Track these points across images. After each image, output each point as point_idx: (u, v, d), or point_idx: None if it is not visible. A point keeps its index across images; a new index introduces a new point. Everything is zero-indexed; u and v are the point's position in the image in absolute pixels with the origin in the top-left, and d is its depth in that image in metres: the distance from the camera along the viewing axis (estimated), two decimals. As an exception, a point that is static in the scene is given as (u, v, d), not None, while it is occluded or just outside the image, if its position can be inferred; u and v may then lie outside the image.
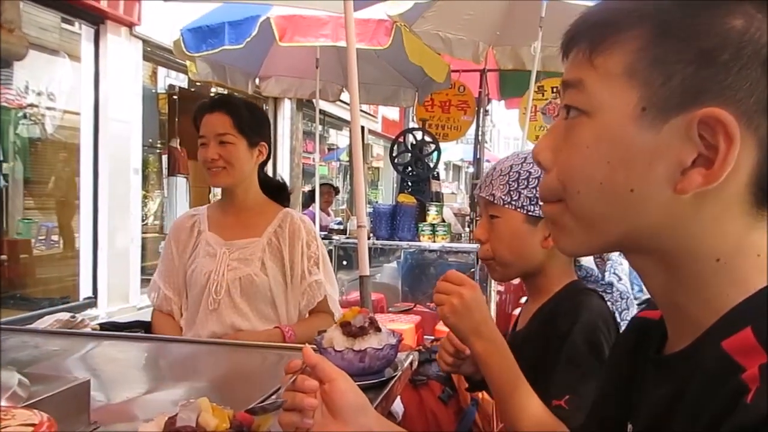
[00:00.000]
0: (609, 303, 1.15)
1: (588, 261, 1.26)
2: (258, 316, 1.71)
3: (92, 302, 5.37)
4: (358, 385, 0.81)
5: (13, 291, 5.14)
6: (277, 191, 1.89)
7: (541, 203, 0.61)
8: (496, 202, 1.12)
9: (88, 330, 1.70)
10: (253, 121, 1.77)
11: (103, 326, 1.85)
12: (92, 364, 1.40)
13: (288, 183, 2.04)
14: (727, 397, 0.45)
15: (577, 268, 1.20)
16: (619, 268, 1.35)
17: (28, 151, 5.30)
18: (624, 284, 1.27)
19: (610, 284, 1.25)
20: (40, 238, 5.63)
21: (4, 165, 4.88)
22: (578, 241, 0.58)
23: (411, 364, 1.32)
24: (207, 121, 1.75)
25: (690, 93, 0.49)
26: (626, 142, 0.52)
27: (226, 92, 7.29)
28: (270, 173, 1.98)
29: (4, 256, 5.15)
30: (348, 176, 12.28)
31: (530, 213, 1.10)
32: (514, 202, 1.11)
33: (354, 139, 2.14)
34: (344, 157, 12.16)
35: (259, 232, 1.77)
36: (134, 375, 1.36)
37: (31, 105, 5.14)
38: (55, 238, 5.74)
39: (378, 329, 1.16)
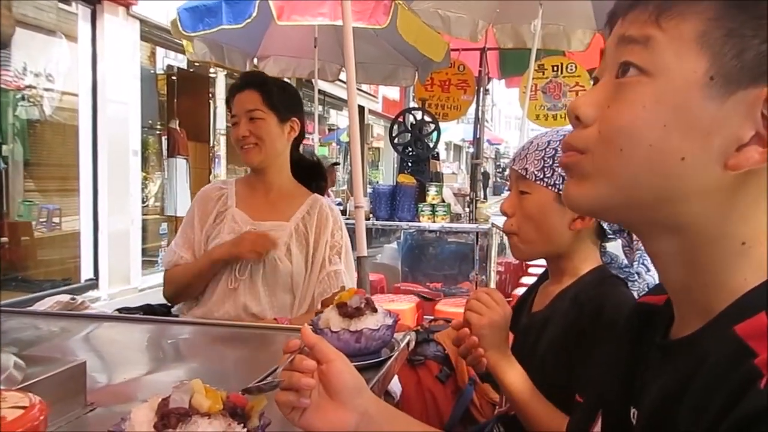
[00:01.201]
0: (634, 292, 1.13)
1: (614, 247, 1.25)
2: (272, 301, 1.70)
3: (94, 284, 5.39)
4: (354, 365, 0.82)
5: (15, 273, 5.15)
6: (310, 171, 1.88)
7: (564, 151, 0.59)
8: (528, 177, 1.10)
9: (88, 312, 1.70)
10: (282, 96, 1.77)
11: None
12: (91, 346, 1.41)
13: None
14: (738, 382, 0.45)
15: (602, 253, 1.18)
16: (648, 258, 1.34)
17: (27, 133, 5.28)
18: (652, 275, 1.25)
19: (638, 273, 1.23)
20: (41, 220, 5.63)
21: (4, 147, 4.87)
22: (593, 193, 0.56)
23: (408, 344, 1.32)
24: (237, 100, 1.75)
25: (760, 70, 0.49)
26: (689, 108, 0.51)
27: (225, 73, 7.24)
28: None
29: (4, 239, 5.16)
30: (348, 157, 12.25)
31: (562, 192, 1.08)
32: (546, 179, 1.09)
33: (352, 118, 2.13)
34: (344, 137, 12.11)
35: (287, 216, 1.76)
36: (132, 356, 1.37)
37: (29, 86, 5.11)
38: (56, 220, 5.74)
39: (374, 310, 1.16)
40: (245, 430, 0.68)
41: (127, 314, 1.67)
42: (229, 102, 1.80)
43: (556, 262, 1.14)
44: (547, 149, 1.10)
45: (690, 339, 0.54)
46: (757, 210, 0.52)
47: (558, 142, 1.10)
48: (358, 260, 1.95)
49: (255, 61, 4.73)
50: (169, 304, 1.82)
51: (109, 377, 1.16)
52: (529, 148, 1.13)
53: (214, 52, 4.18)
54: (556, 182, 1.08)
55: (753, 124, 0.49)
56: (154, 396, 0.70)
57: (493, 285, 3.82)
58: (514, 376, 1.04)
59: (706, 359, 0.50)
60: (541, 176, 1.09)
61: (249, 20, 3.57)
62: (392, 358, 1.19)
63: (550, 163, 1.09)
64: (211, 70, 7.24)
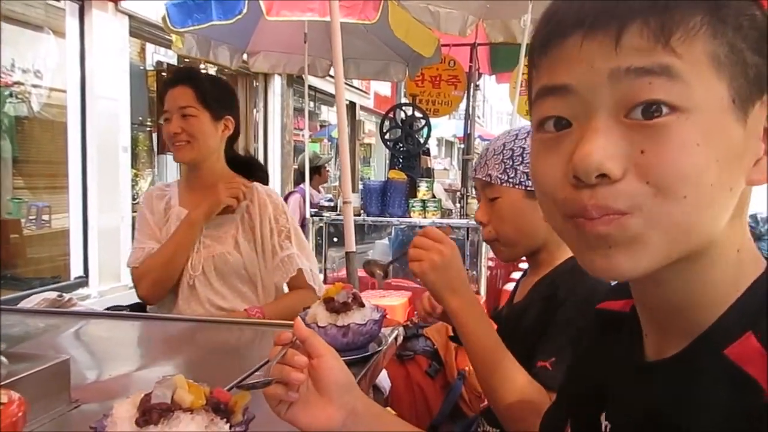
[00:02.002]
0: None
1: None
2: (234, 294, 1.69)
3: (84, 281, 5.36)
4: (343, 359, 0.82)
5: (4, 271, 5.12)
6: (244, 167, 1.84)
7: (594, 217, 0.49)
8: (493, 182, 1.12)
9: (75, 309, 1.69)
10: (216, 93, 1.73)
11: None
12: (77, 343, 1.40)
13: (281, 160, 2.01)
14: (752, 425, 0.44)
15: None
16: None
17: (15, 130, 5.24)
18: None
19: None
20: (31, 217, 5.60)
21: (-7, 144, 4.84)
22: (649, 257, 0.49)
23: (396, 338, 1.32)
24: (170, 96, 1.72)
25: (760, 82, 0.48)
26: (728, 137, 0.47)
27: (216, 69, 7.21)
28: (261, 150, 1.95)
29: (-7, 237, 5.14)
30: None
31: (529, 188, 1.09)
32: (512, 180, 1.11)
33: (339, 113, 2.13)
34: (336, 133, 12.09)
35: (231, 208, 1.73)
36: (119, 353, 1.36)
37: (18, 83, 5.07)
38: (45, 217, 5.71)
39: (361, 305, 1.16)
40: (228, 425, 0.68)
41: (113, 311, 1.66)
42: (161, 96, 1.76)
43: (534, 256, 1.16)
44: (504, 151, 1.13)
45: (677, 358, 0.52)
46: (744, 213, 0.51)
47: (512, 142, 1.12)
48: (347, 255, 1.95)
49: (245, 56, 4.71)
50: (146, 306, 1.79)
51: (94, 374, 1.15)
52: (486, 155, 1.15)
53: (202, 47, 4.15)
54: (521, 180, 1.10)
55: (763, 135, 0.49)
56: (137, 392, 0.69)
57: (483, 281, 3.83)
58: (475, 321, 1.02)
59: (699, 382, 0.49)
60: (506, 178, 1.11)
61: (239, 16, 3.55)
62: (380, 353, 1.19)
63: (511, 164, 1.12)
64: (201, 66, 7.21)
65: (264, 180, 1.86)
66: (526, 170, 1.10)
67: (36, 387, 0.87)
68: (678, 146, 0.46)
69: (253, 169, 1.87)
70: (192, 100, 1.69)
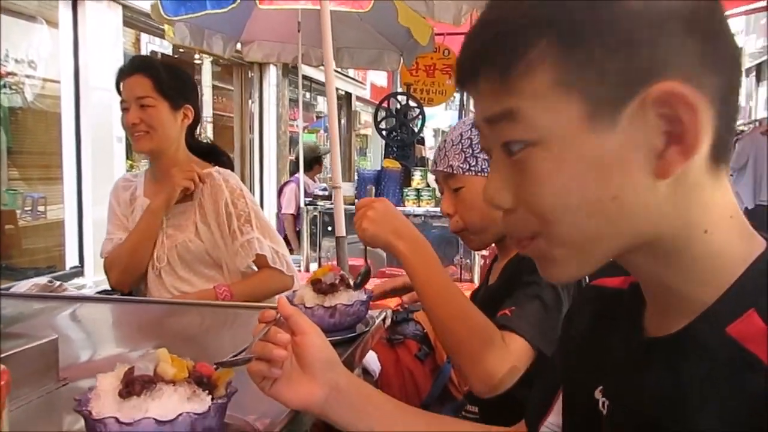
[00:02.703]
0: None
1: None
2: (201, 279, 1.71)
3: (79, 271, 5.37)
4: (329, 340, 0.83)
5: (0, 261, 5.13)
6: (206, 155, 1.84)
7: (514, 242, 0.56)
8: (455, 172, 1.15)
9: (65, 293, 1.70)
10: (175, 82, 1.72)
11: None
12: (66, 325, 1.41)
13: (277, 151, 2.01)
14: (754, 402, 0.45)
15: None
16: None
17: (9, 121, 5.23)
18: None
19: None
20: (26, 209, 5.60)
21: (-14, 135, 4.83)
22: (573, 267, 0.54)
23: (384, 320, 1.33)
24: (127, 85, 1.70)
25: (630, 79, 0.48)
26: (588, 155, 0.49)
27: (211, 59, 7.19)
28: (257, 141, 1.95)
29: (-12, 228, 5.14)
30: (339, 145, 12.19)
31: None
32: (473, 168, 1.13)
33: (329, 98, 2.13)
34: (332, 124, 12.07)
35: (190, 192, 1.73)
36: (108, 335, 1.38)
37: (11, 73, 5.06)
38: (41, 209, 5.71)
39: (348, 286, 1.18)
40: (210, 396, 0.69)
41: (103, 295, 1.68)
42: (117, 85, 1.75)
43: (502, 240, 1.19)
44: (463, 141, 1.15)
45: (677, 337, 0.53)
46: (702, 193, 0.51)
47: (469, 131, 1.15)
48: (337, 240, 1.96)
49: (239, 45, 4.70)
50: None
51: (83, 354, 1.17)
52: (445, 147, 1.18)
53: (195, 37, 4.14)
54: (483, 167, 1.13)
55: (658, 129, 0.48)
56: (121, 365, 0.71)
57: (477, 269, 3.85)
58: (424, 260, 1.04)
59: (702, 360, 0.50)
60: (467, 167, 1.14)
61: (233, 5, 3.54)
62: (367, 334, 1.20)
63: (471, 152, 1.14)
64: (196, 56, 7.18)
65: (228, 166, 1.86)
66: (486, 157, 1.11)
67: (24, 365, 0.88)
68: (535, 179, 0.51)
69: (215, 156, 1.87)
70: (149, 90, 1.68)
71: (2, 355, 0.85)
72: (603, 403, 0.58)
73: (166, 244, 1.70)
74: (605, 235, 0.51)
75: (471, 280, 3.76)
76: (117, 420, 0.64)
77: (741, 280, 0.50)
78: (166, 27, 4.03)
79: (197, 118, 1.79)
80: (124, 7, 5.51)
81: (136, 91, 1.68)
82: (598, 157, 0.49)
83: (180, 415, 0.65)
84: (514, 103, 0.50)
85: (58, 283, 1.84)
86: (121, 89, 1.72)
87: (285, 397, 0.79)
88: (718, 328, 0.49)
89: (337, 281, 1.17)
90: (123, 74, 1.73)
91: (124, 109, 1.70)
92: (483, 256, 4.17)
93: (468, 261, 3.90)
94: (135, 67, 1.73)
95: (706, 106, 0.48)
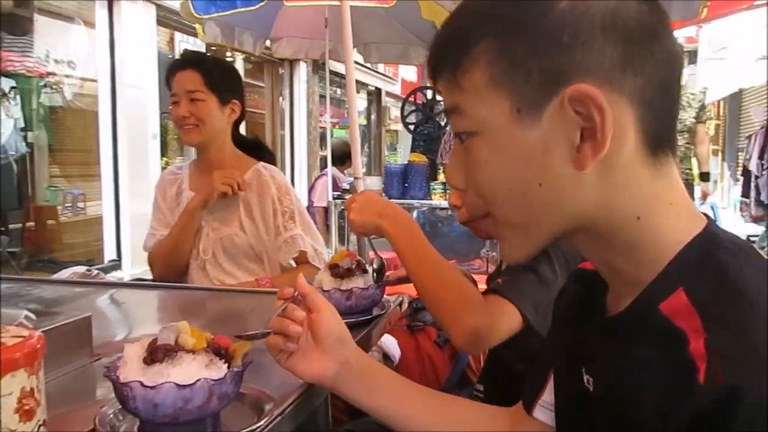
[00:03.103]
0: None
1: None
2: (243, 272, 1.76)
3: (117, 264, 5.53)
4: (346, 321, 0.89)
5: (41, 255, 5.32)
6: (251, 149, 1.89)
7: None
8: None
9: (101, 279, 1.79)
10: (224, 78, 1.78)
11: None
12: (102, 308, 1.49)
13: (308, 146, 2.06)
14: (678, 373, 0.48)
15: None
16: None
17: (50, 119, 5.41)
18: None
19: None
20: (67, 204, 5.78)
21: (30, 133, 5.00)
22: (518, 247, 0.60)
23: (400, 305, 1.38)
24: (178, 79, 1.76)
25: (550, 80, 0.53)
26: (515, 145, 0.55)
27: (243, 56, 7.30)
28: (287, 137, 2.02)
29: (31, 223, 5.33)
30: (367, 139, 12.26)
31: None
32: None
33: (349, 91, 2.18)
34: (362, 120, 12.12)
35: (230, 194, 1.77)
36: (141, 317, 1.46)
37: (51, 73, 5.23)
38: (80, 204, 5.89)
39: (365, 271, 1.23)
40: (226, 365, 0.75)
41: (137, 281, 1.75)
42: (168, 79, 1.80)
43: None
44: None
45: (623, 315, 0.58)
46: (633, 184, 0.55)
47: None
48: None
49: (268, 42, 4.78)
50: None
51: (117, 334, 1.24)
52: (450, 140, 1.22)
53: (226, 34, 4.22)
54: None
55: (576, 125, 0.53)
56: (145, 336, 0.76)
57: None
58: (409, 233, 1.12)
59: (641, 338, 0.54)
60: None
61: (262, 3, 3.61)
62: (382, 316, 1.25)
63: None
64: (228, 53, 7.30)
65: (271, 161, 1.91)
66: None
67: (59, 339, 0.95)
68: (475, 164, 0.58)
69: (259, 151, 1.92)
70: (200, 85, 1.73)
71: (40, 330, 0.92)
72: (588, 380, 0.62)
73: (211, 237, 1.75)
74: (539, 218, 0.57)
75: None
76: (141, 384, 0.70)
77: (674, 261, 0.55)
78: (197, 26, 4.12)
79: (243, 114, 1.84)
80: (158, 6, 5.64)
81: (187, 85, 1.74)
82: (524, 148, 0.55)
83: (198, 380, 0.71)
84: (460, 98, 0.57)
85: (95, 271, 1.94)
86: (172, 83, 1.77)
87: (299, 370, 0.85)
88: (653, 307, 0.53)
89: (353, 266, 1.22)
90: (174, 69, 1.78)
91: (174, 103, 1.76)
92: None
93: (494, 254, 3.91)
94: (186, 61, 1.79)
95: (625, 106, 0.53)
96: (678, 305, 0.51)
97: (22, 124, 4.62)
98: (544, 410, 0.75)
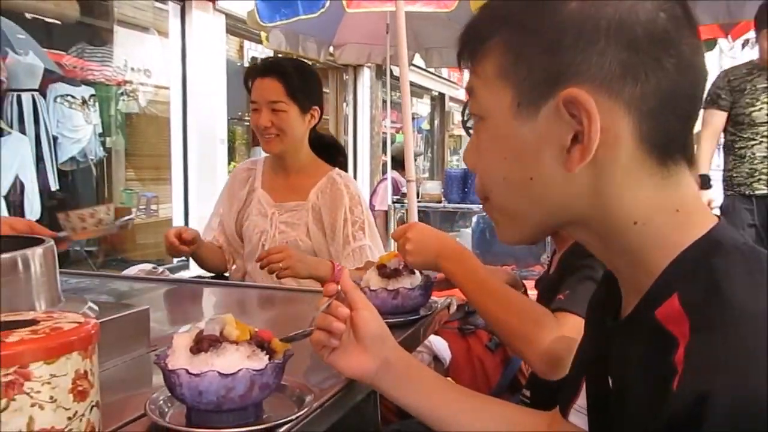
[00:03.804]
0: None
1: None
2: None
3: (185, 265, 5.73)
4: (391, 321, 0.91)
5: (116, 254, 5.58)
6: (327, 151, 1.90)
7: None
8: None
9: (165, 276, 1.87)
10: (305, 86, 1.77)
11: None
12: (163, 302, 1.57)
13: (371, 151, 2.08)
14: (661, 378, 0.48)
15: None
16: None
17: (127, 125, 5.67)
18: None
19: None
20: (141, 207, 6.03)
21: (107, 139, 5.26)
22: (509, 232, 0.63)
23: (448, 307, 1.38)
24: (258, 87, 1.76)
25: (550, 79, 0.54)
26: (513, 137, 0.57)
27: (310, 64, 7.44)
28: (350, 142, 2.04)
29: (108, 224, 5.60)
30: (430, 144, 12.26)
31: None
32: None
33: (403, 94, 2.20)
34: (425, 125, 12.14)
35: (305, 195, 1.81)
36: (199, 312, 1.52)
37: (128, 81, 5.49)
38: (154, 207, 6.13)
39: (412, 272, 1.24)
40: (267, 357, 0.78)
41: (198, 279, 1.82)
42: (247, 82, 1.80)
43: (556, 234, 1.21)
44: None
45: (627, 320, 0.58)
46: (630, 189, 0.55)
47: None
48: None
49: (331, 49, 4.87)
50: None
51: (175, 327, 1.29)
52: None
53: (290, 41, 4.34)
54: None
55: (570, 127, 0.53)
56: (194, 327, 0.80)
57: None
58: (469, 272, 1.10)
59: (639, 341, 0.54)
60: None
61: (323, 10, 3.69)
62: (429, 317, 1.26)
63: None
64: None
65: (344, 165, 1.94)
66: None
67: (119, 330, 1.00)
68: (479, 149, 0.61)
69: (334, 153, 1.94)
70: (281, 95, 1.73)
71: (100, 320, 0.98)
72: (610, 381, 0.62)
73: (278, 239, 1.77)
74: (530, 209, 0.59)
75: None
76: (187, 371, 0.73)
77: (670, 266, 0.54)
78: (262, 34, 4.25)
79: (321, 116, 1.85)
80: (227, 16, 5.84)
81: (269, 95, 1.74)
82: (519, 141, 0.57)
83: (240, 370, 0.74)
84: (475, 82, 0.60)
85: (161, 269, 2.04)
86: (252, 89, 1.77)
87: (340, 366, 0.87)
88: (650, 313, 0.53)
89: (401, 267, 1.23)
90: (254, 74, 1.78)
91: (255, 110, 1.76)
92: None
93: (548, 265, 3.83)
94: (267, 69, 1.77)
95: (621, 113, 0.53)
96: (671, 310, 0.51)
97: (101, 130, 4.87)
98: (578, 414, 0.74)
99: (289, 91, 1.74)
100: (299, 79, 1.77)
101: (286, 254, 1.60)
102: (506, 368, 1.77)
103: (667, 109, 0.54)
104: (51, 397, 0.59)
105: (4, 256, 0.87)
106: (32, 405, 0.58)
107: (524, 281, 1.36)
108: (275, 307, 1.58)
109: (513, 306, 1.04)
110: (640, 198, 0.55)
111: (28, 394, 0.57)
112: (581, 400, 0.75)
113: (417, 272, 1.24)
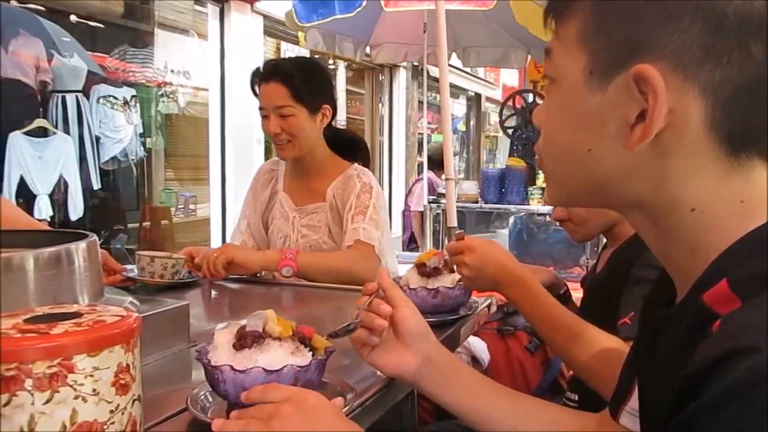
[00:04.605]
0: None
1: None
2: None
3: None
4: (431, 320, 0.89)
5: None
6: (346, 147, 1.86)
7: None
8: None
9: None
10: (310, 85, 1.72)
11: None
12: (203, 299, 1.57)
13: (406, 152, 2.03)
14: (700, 338, 0.46)
15: None
16: None
17: (166, 126, 5.78)
18: None
19: None
20: (180, 206, 6.15)
21: (148, 139, 5.37)
22: (559, 192, 0.62)
23: (488, 307, 1.36)
24: (264, 93, 1.71)
25: (627, 51, 0.51)
26: (579, 105, 0.55)
27: (346, 64, 7.46)
28: (386, 143, 1.98)
29: (147, 223, 5.73)
30: (466, 145, 12.19)
31: None
32: None
33: (442, 93, 2.18)
34: (461, 126, 12.06)
35: (323, 196, 1.78)
36: (238, 308, 1.52)
37: (168, 83, 5.58)
38: (192, 207, 6.25)
39: (452, 271, 1.22)
40: (310, 353, 0.76)
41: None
42: (253, 87, 1.76)
43: (610, 230, 1.18)
44: None
45: (676, 309, 0.56)
46: (693, 175, 0.52)
47: None
48: (448, 231, 2.00)
49: (368, 49, 4.87)
50: None
51: (214, 323, 1.30)
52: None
53: (327, 41, 4.35)
54: None
55: (637, 103, 0.51)
56: (234, 322, 0.80)
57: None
58: (532, 300, 1.04)
59: (684, 328, 0.51)
60: None
61: (359, 9, 3.69)
62: (469, 317, 1.24)
63: None
64: (330, 61, 7.50)
65: (365, 160, 1.88)
66: None
67: (159, 324, 1.01)
68: (547, 110, 0.60)
69: (355, 149, 1.89)
70: (287, 99, 1.68)
71: (141, 316, 0.98)
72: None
73: (300, 243, 1.76)
74: (581, 182, 0.58)
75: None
76: (231, 368, 0.73)
77: (724, 254, 0.51)
78: (299, 34, 4.27)
79: (335, 112, 1.79)
80: (265, 17, 5.89)
81: (274, 100, 1.69)
82: (585, 110, 0.55)
83: (285, 366, 0.73)
84: (554, 43, 0.58)
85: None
86: (259, 95, 1.74)
87: (380, 363, 0.86)
88: (697, 298, 0.50)
89: (440, 265, 1.21)
90: (258, 80, 1.74)
91: (264, 117, 1.73)
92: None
93: (595, 262, 3.76)
94: (270, 73, 1.72)
95: (695, 97, 0.50)
96: (719, 292, 0.49)
97: (141, 130, 4.96)
98: (630, 416, 0.71)
99: (293, 93, 1.69)
100: (303, 80, 1.71)
101: (220, 250, 1.59)
102: (546, 370, 1.73)
103: (747, 100, 0.50)
104: (94, 390, 0.58)
105: (50, 249, 0.88)
106: (75, 397, 0.57)
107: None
108: (311, 304, 1.58)
109: (588, 338, 0.98)
110: (701, 185, 0.52)
111: (71, 386, 0.57)
112: (633, 402, 0.72)
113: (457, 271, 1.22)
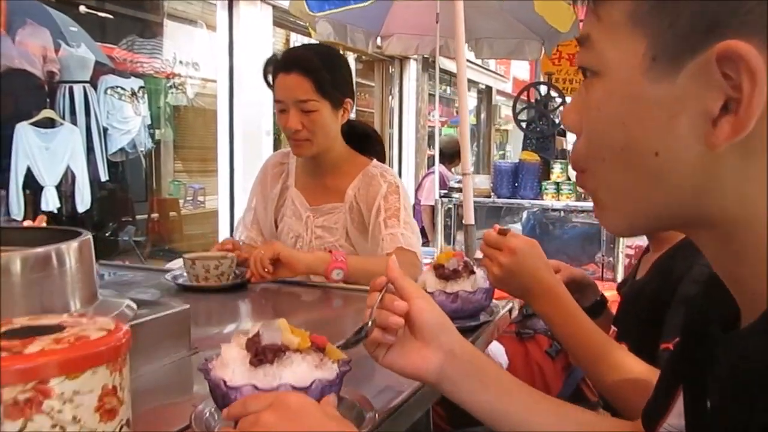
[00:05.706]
0: None
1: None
2: None
3: (230, 256, 5.76)
4: None
5: (163, 245, 5.65)
6: (362, 141, 1.74)
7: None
8: None
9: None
10: (336, 77, 1.58)
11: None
12: (206, 301, 1.50)
13: (416, 144, 1.94)
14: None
15: None
16: None
17: (175, 118, 5.74)
18: None
19: None
20: (188, 198, 6.11)
21: (156, 131, 5.33)
22: (615, 217, 0.51)
23: (510, 311, 1.28)
24: (283, 84, 1.55)
25: (702, 30, 0.42)
26: (639, 98, 0.45)
27: (355, 56, 7.39)
28: (396, 135, 1.88)
29: (155, 214, 5.69)
30: (476, 138, 12.08)
31: None
32: None
33: (460, 85, 2.09)
34: (472, 119, 11.95)
35: (342, 195, 1.66)
36: (243, 311, 1.45)
37: (177, 74, 5.53)
38: (200, 198, 6.21)
39: (472, 272, 1.14)
40: (335, 365, 0.69)
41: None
42: (266, 76, 1.61)
43: (656, 234, 1.09)
44: None
45: (745, 332, 0.47)
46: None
47: None
48: (465, 228, 1.92)
49: (378, 40, 4.78)
50: None
51: (217, 329, 1.23)
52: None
53: (339, 32, 4.27)
54: None
55: (720, 91, 0.41)
56: (236, 335, 0.72)
57: (620, 268, 3.62)
58: (562, 315, 0.96)
59: (747, 360, 0.44)
60: None
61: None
62: (490, 323, 1.16)
63: None
64: (340, 51, 7.39)
65: (381, 155, 1.77)
66: None
67: (158, 330, 0.94)
68: (589, 108, 0.49)
69: (371, 143, 1.78)
70: (311, 93, 1.54)
71: (139, 321, 0.91)
72: (710, 404, 0.51)
73: (315, 245, 1.65)
74: (646, 193, 0.47)
75: (613, 279, 3.54)
76: (255, 387, 0.65)
77: None
78: (309, 24, 4.19)
79: (354, 105, 1.67)
80: (274, 8, 5.81)
81: (297, 94, 1.54)
82: (648, 104, 0.45)
83: (314, 381, 0.66)
84: (593, 29, 0.48)
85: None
86: (275, 86, 1.58)
87: (398, 365, 0.76)
88: None
89: (460, 267, 1.13)
90: (276, 69, 1.58)
91: (281, 110, 1.57)
92: (628, 256, 3.92)
93: (611, 259, 3.68)
94: (291, 63, 1.56)
95: None
96: None
97: (149, 122, 4.93)
98: None
99: (319, 87, 1.54)
100: (329, 72, 1.57)
101: (265, 246, 1.49)
102: (568, 377, 1.66)
103: None
104: (74, 417, 0.51)
105: (38, 250, 0.80)
106: (53, 426, 0.50)
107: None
108: (315, 306, 1.51)
109: (616, 363, 0.89)
110: None
111: (48, 413, 0.50)
112: (674, 419, 0.63)
113: (477, 272, 1.14)
